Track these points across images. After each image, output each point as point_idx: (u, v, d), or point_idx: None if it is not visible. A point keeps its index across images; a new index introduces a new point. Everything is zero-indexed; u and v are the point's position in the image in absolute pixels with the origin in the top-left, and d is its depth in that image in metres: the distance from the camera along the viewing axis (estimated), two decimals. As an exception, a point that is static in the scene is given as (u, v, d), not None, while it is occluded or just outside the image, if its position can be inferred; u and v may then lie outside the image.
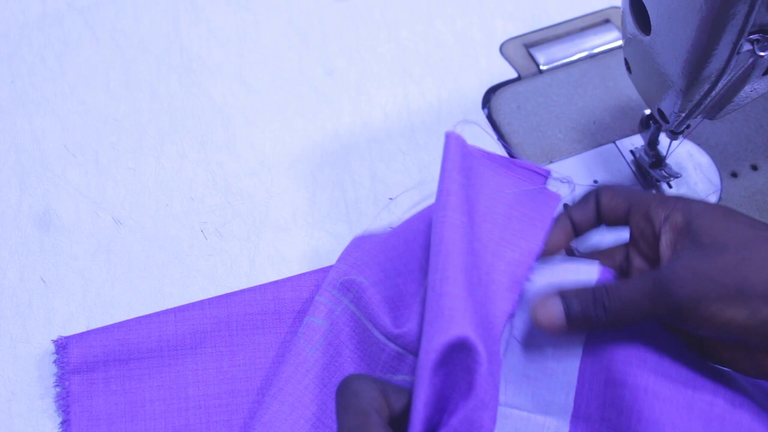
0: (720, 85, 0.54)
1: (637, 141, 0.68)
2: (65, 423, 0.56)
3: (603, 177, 0.67)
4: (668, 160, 0.65)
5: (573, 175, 0.67)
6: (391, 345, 0.55)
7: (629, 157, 0.68)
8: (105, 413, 0.57)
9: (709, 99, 0.55)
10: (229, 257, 0.64)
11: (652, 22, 0.54)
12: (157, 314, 0.59)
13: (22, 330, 0.61)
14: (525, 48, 0.74)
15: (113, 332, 0.58)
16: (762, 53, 0.52)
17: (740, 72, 0.54)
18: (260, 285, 0.61)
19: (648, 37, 0.55)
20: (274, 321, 0.60)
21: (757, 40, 0.51)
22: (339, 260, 0.59)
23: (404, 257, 0.59)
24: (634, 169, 0.67)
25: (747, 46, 0.52)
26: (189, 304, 0.60)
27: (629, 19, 0.57)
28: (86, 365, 0.58)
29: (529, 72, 0.73)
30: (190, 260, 0.64)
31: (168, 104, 0.72)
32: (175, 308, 0.60)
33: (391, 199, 0.66)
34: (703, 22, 0.50)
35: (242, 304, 0.60)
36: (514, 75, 0.73)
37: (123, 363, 0.58)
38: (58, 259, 0.64)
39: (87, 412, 0.57)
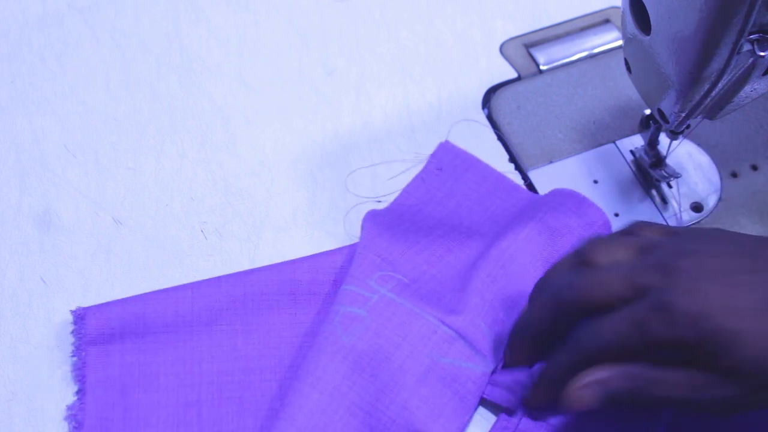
0: (720, 85, 0.54)
1: (637, 141, 0.68)
2: (81, 392, 0.57)
3: (603, 177, 0.67)
4: (668, 160, 0.65)
5: (573, 175, 0.67)
6: (444, 327, 0.56)
7: (629, 157, 0.68)
8: (119, 384, 0.57)
9: (709, 99, 0.55)
10: (229, 257, 0.64)
11: (652, 22, 0.54)
12: (174, 289, 0.60)
13: (22, 330, 0.61)
14: (525, 48, 0.74)
15: (130, 305, 0.59)
16: (762, 53, 0.52)
17: (740, 72, 0.54)
18: (276, 264, 0.62)
19: (648, 37, 0.55)
20: (289, 302, 0.60)
21: (757, 40, 0.51)
22: (366, 245, 0.60)
23: (430, 247, 0.61)
24: (634, 169, 0.67)
25: (747, 46, 0.52)
26: (205, 280, 0.61)
27: (629, 19, 0.57)
28: (103, 337, 0.58)
29: (529, 72, 0.73)
30: (190, 260, 0.64)
31: (168, 104, 0.72)
32: (191, 284, 0.61)
33: (379, 201, 0.66)
34: (703, 22, 0.50)
35: (258, 283, 0.60)
36: (514, 75, 0.73)
37: (139, 336, 0.59)
38: (58, 259, 0.64)
39: (102, 382, 0.57)
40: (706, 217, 0.65)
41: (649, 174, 0.66)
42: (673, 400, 0.50)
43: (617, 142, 0.69)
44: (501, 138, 0.69)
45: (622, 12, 0.58)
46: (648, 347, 0.50)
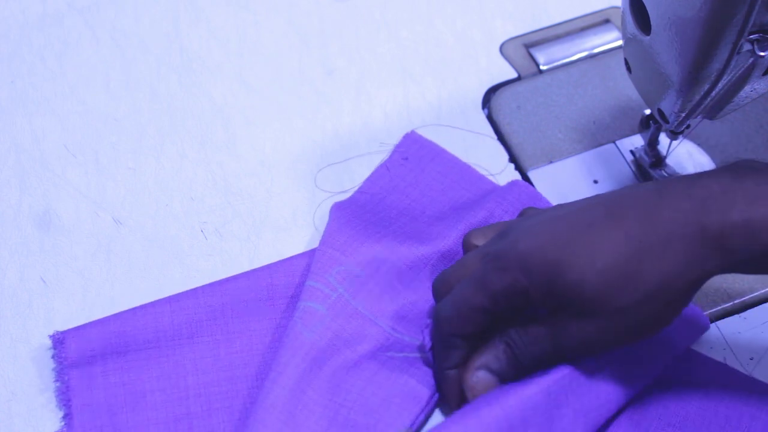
0: (720, 85, 0.54)
1: (637, 141, 0.68)
2: (67, 417, 0.57)
3: (603, 177, 0.67)
4: (668, 160, 0.65)
5: (573, 175, 0.67)
6: (397, 335, 0.58)
7: (629, 157, 0.68)
8: (106, 405, 0.57)
9: (709, 99, 0.55)
10: (229, 257, 0.64)
11: (652, 22, 0.54)
12: (153, 304, 0.60)
13: (22, 330, 0.61)
14: (525, 48, 0.74)
15: (109, 325, 0.59)
16: (762, 53, 0.52)
17: (740, 72, 0.54)
18: (253, 270, 0.61)
19: (648, 37, 0.55)
20: (268, 307, 0.60)
21: (757, 40, 0.51)
22: (326, 241, 0.60)
23: (390, 236, 0.61)
24: (634, 169, 0.67)
25: (747, 46, 0.52)
26: (183, 292, 0.60)
27: (629, 19, 0.57)
28: (84, 359, 0.58)
29: (529, 72, 0.73)
30: (190, 260, 0.64)
31: (168, 104, 0.72)
32: (169, 297, 0.60)
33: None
34: (703, 22, 0.50)
35: (236, 291, 0.60)
36: (514, 75, 0.73)
37: (121, 355, 0.58)
38: (58, 259, 0.64)
39: (88, 405, 0.57)
40: (706, 217, 0.65)
41: (649, 174, 0.66)
42: (549, 353, 0.52)
43: (617, 142, 0.69)
44: (501, 138, 0.69)
45: (622, 12, 0.58)
46: (495, 302, 0.51)
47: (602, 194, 0.52)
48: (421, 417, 0.56)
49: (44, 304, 0.62)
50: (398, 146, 0.67)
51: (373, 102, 0.72)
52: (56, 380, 0.58)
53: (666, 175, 0.65)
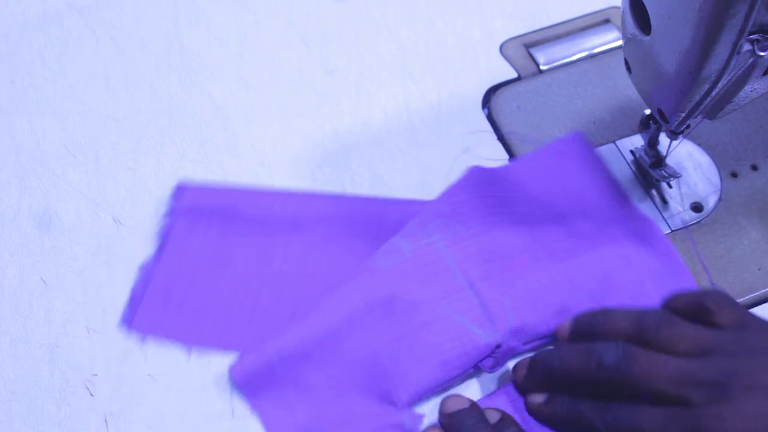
0: (720, 85, 0.54)
1: (637, 141, 0.68)
2: (157, 253, 0.62)
3: (603, 177, 0.67)
4: (668, 160, 0.65)
5: (573, 175, 0.67)
6: (469, 291, 0.59)
7: (629, 157, 0.68)
8: (193, 258, 0.62)
9: (709, 99, 0.55)
10: (229, 257, 0.64)
11: (652, 22, 0.54)
12: (270, 190, 0.65)
13: (22, 330, 0.61)
14: (525, 48, 0.74)
15: (227, 195, 0.64)
16: (762, 53, 0.52)
17: (740, 72, 0.54)
18: (369, 197, 0.64)
19: (648, 37, 0.55)
20: (373, 234, 0.62)
21: (757, 40, 0.51)
22: (447, 193, 0.62)
23: (507, 220, 0.62)
24: (634, 169, 0.67)
25: (747, 46, 0.52)
26: (301, 193, 0.65)
27: (629, 19, 0.57)
28: (193, 212, 0.63)
29: (529, 72, 0.73)
30: (190, 260, 0.64)
31: (168, 104, 0.72)
32: (286, 192, 0.65)
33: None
34: (703, 22, 0.50)
35: (349, 206, 0.64)
36: (514, 75, 0.73)
37: (226, 223, 0.63)
38: (58, 259, 0.64)
39: (179, 251, 0.62)
40: (706, 217, 0.65)
41: (649, 174, 0.66)
42: None
43: (617, 142, 0.69)
44: (501, 138, 0.70)
45: (622, 12, 0.58)
46: None
47: None
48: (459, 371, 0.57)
49: (44, 304, 0.62)
50: (560, 139, 0.67)
51: (373, 102, 0.72)
52: (165, 216, 0.64)
53: (666, 175, 0.65)
